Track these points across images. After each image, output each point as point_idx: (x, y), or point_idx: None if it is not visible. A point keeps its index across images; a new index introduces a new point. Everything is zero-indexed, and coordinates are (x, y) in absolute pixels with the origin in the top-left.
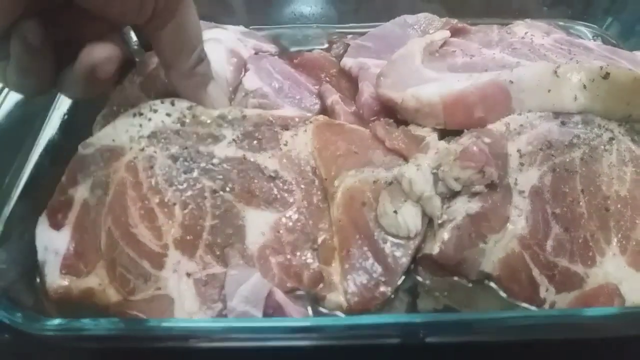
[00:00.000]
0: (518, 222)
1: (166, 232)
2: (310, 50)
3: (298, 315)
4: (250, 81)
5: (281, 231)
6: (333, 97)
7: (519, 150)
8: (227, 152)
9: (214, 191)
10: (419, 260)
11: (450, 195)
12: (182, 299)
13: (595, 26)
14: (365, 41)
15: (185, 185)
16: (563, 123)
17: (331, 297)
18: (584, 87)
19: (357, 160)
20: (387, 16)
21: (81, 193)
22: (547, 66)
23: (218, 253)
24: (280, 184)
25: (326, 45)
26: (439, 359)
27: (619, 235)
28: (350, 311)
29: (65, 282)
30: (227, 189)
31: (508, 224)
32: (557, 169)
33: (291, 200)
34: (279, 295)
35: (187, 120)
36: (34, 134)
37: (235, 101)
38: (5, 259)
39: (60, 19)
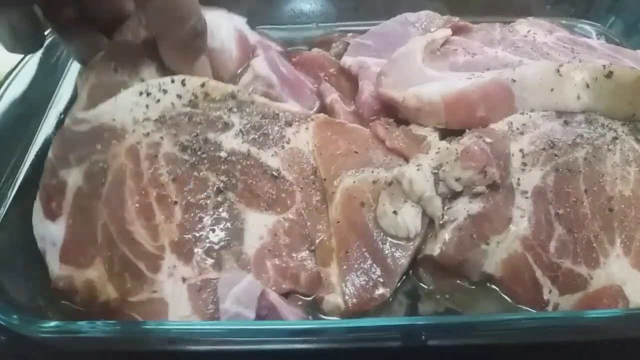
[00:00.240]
0: (521, 223)
1: (163, 232)
2: (309, 49)
3: (292, 316)
4: (260, 66)
5: (279, 234)
6: (332, 96)
7: (521, 150)
8: (233, 145)
9: (218, 190)
10: (419, 261)
11: (452, 196)
12: (176, 304)
13: (599, 24)
14: (366, 39)
15: (189, 181)
16: (566, 122)
17: (329, 298)
18: (587, 86)
19: (357, 160)
20: (387, 14)
21: (75, 178)
22: (549, 65)
23: (214, 258)
24: (281, 185)
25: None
26: None
27: (623, 236)
28: (348, 312)
29: (66, 272)
30: (231, 186)
31: (510, 225)
32: (560, 169)
33: (290, 202)
34: (273, 296)
35: (199, 99)
36: (30, 132)
37: (241, 83)
38: (2, 260)
39: None
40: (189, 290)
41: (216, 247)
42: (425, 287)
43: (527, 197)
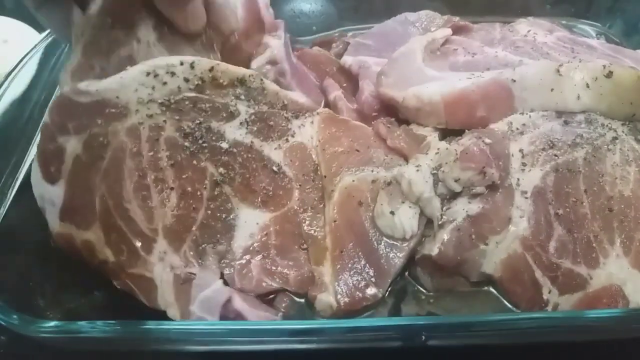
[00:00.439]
0: (520, 223)
1: (158, 216)
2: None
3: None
4: (279, 50)
5: (270, 233)
6: (336, 93)
7: (521, 150)
8: (236, 135)
9: (215, 182)
10: (418, 261)
11: (451, 196)
12: (163, 289)
13: (599, 24)
14: (366, 39)
15: (188, 169)
16: (566, 122)
17: (321, 297)
18: (587, 86)
19: (358, 158)
20: (387, 14)
21: (73, 146)
22: (549, 65)
23: (200, 253)
24: (280, 181)
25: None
26: None
27: (623, 236)
28: (340, 312)
29: (66, 230)
30: (228, 180)
31: (510, 225)
32: (560, 169)
33: (286, 200)
34: (238, 303)
35: (206, 84)
36: (30, 132)
37: (254, 64)
38: (1, 260)
39: None
40: (174, 280)
41: (204, 241)
42: (423, 287)
43: (526, 197)
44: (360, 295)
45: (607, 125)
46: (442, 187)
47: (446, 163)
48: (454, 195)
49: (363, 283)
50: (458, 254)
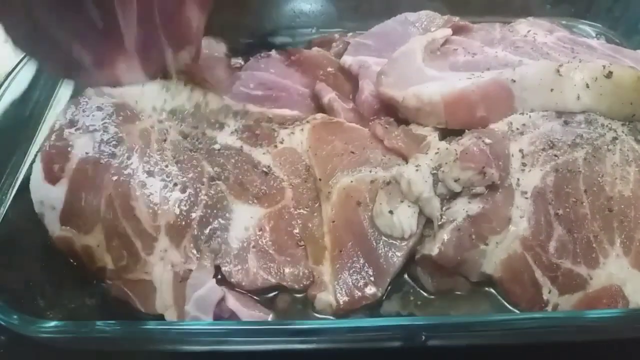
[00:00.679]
0: (520, 223)
1: (162, 213)
2: (309, 48)
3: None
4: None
5: (265, 228)
6: (329, 95)
7: (521, 150)
8: (227, 140)
9: (212, 178)
10: (418, 261)
11: (450, 196)
12: (162, 291)
13: (599, 25)
14: (366, 39)
15: (188, 166)
16: (566, 122)
17: (321, 296)
18: (587, 86)
19: (354, 159)
20: (387, 14)
21: (84, 143)
22: (549, 65)
23: (198, 248)
24: (272, 181)
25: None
26: None
27: (623, 236)
28: (339, 310)
29: (67, 234)
30: (223, 177)
31: (510, 225)
32: (559, 169)
33: (279, 197)
34: (232, 302)
35: (202, 105)
36: (30, 132)
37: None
38: (1, 260)
39: None
40: (174, 277)
41: (203, 235)
42: (423, 288)
43: (526, 198)
44: (360, 294)
45: (607, 126)
46: (441, 187)
47: (446, 163)
48: (453, 195)
49: (362, 282)
50: (458, 254)
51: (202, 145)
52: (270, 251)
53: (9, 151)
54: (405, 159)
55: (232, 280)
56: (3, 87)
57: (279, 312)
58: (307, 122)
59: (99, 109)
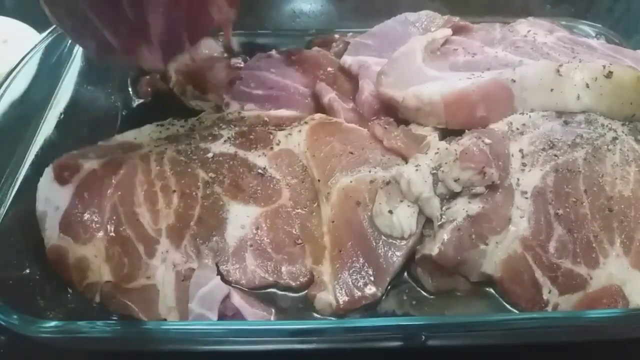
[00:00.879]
0: (520, 223)
1: (163, 216)
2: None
3: (255, 319)
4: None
5: (262, 226)
6: (329, 95)
7: (521, 150)
8: (221, 149)
9: (206, 182)
10: (418, 261)
11: (450, 196)
12: (165, 292)
13: (599, 25)
14: (366, 39)
15: (185, 175)
16: (566, 122)
17: (321, 296)
18: (587, 86)
19: (353, 160)
20: (387, 14)
21: (91, 164)
22: (549, 65)
23: (197, 247)
24: (267, 182)
25: None
26: None
27: (623, 236)
28: (339, 310)
29: (63, 243)
30: (217, 181)
31: (510, 225)
32: (559, 169)
33: (276, 197)
34: (236, 299)
35: (196, 127)
36: (30, 132)
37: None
38: (1, 260)
39: None
40: (176, 277)
41: (201, 235)
42: (423, 288)
43: (526, 198)
44: (360, 294)
45: (607, 126)
46: (441, 187)
47: (446, 163)
48: (453, 195)
49: (362, 282)
50: (458, 254)
51: (196, 157)
52: (268, 249)
53: (9, 151)
54: (405, 159)
55: (230, 278)
56: (3, 87)
57: (279, 312)
58: (306, 122)
59: (106, 147)
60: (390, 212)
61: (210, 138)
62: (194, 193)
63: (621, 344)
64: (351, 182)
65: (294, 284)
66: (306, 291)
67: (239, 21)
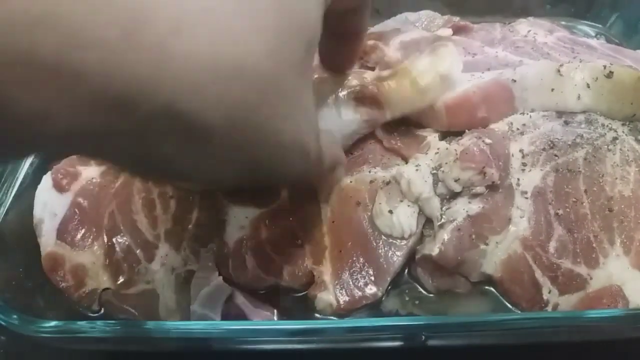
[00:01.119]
0: (520, 223)
1: (161, 221)
2: None
3: (259, 319)
4: None
5: (261, 227)
6: None
7: (521, 151)
8: None
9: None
10: (418, 261)
11: (450, 196)
12: (165, 295)
13: (599, 25)
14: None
15: None
16: (566, 122)
17: (321, 296)
18: (588, 86)
19: (352, 160)
20: (387, 14)
21: (90, 171)
22: (550, 65)
23: (196, 249)
24: None
25: None
26: None
27: (623, 236)
28: (340, 310)
29: (59, 250)
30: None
31: (510, 225)
32: (560, 169)
33: (274, 198)
34: (240, 300)
35: None
36: None
37: None
38: (1, 260)
39: None
40: (176, 279)
41: (200, 238)
42: (423, 288)
43: (526, 198)
44: (360, 294)
45: (607, 126)
46: (442, 187)
47: (446, 163)
48: (453, 195)
49: (362, 282)
50: (458, 254)
51: None
52: (267, 250)
53: None
54: (405, 159)
55: (232, 281)
56: None
57: (280, 312)
58: None
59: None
60: (391, 212)
61: None
62: (191, 197)
63: (621, 344)
64: (351, 182)
65: (294, 284)
66: (306, 291)
67: None
